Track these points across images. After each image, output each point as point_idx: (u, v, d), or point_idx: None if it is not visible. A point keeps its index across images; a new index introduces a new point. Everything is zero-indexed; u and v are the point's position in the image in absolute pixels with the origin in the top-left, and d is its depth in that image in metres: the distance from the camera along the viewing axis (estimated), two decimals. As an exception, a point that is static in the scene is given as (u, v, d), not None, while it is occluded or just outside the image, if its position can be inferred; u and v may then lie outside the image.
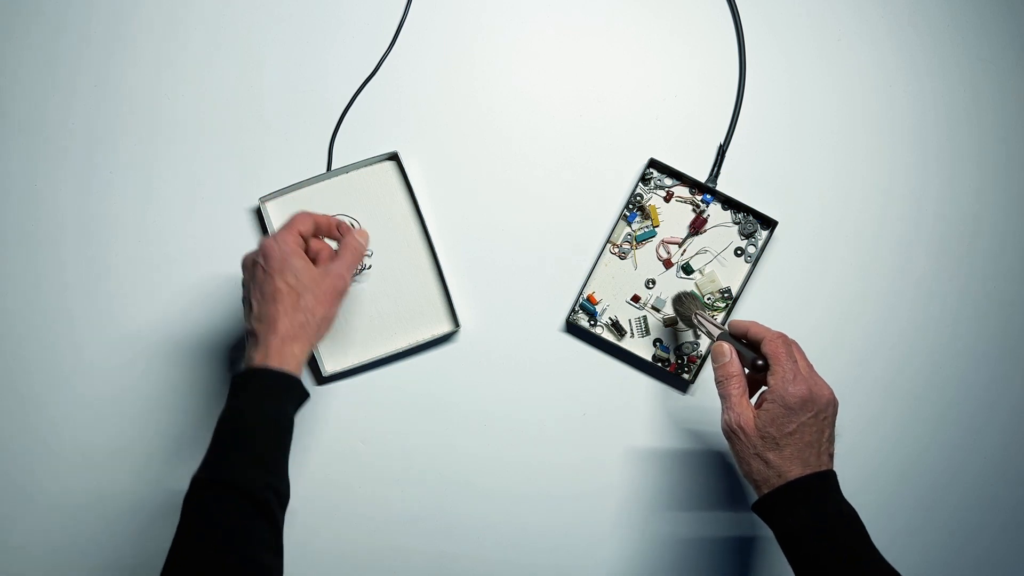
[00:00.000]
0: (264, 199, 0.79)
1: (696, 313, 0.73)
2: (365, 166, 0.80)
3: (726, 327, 0.70)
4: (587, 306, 0.79)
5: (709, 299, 0.79)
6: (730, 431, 0.64)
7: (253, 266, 0.67)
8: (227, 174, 0.81)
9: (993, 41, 0.83)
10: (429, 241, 0.79)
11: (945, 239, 0.81)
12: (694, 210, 0.80)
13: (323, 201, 0.80)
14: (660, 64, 0.83)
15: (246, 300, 0.68)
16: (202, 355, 0.80)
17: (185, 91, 0.81)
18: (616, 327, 0.79)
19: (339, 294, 0.68)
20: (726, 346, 0.67)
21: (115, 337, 0.80)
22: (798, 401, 0.61)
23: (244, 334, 0.68)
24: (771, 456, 0.61)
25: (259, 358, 0.64)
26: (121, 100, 0.81)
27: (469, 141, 0.82)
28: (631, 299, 0.80)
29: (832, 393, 0.64)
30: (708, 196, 0.80)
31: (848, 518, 0.61)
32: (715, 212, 0.80)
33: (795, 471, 0.61)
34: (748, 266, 0.80)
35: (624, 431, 0.80)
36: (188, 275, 0.80)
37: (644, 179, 0.80)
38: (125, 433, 0.79)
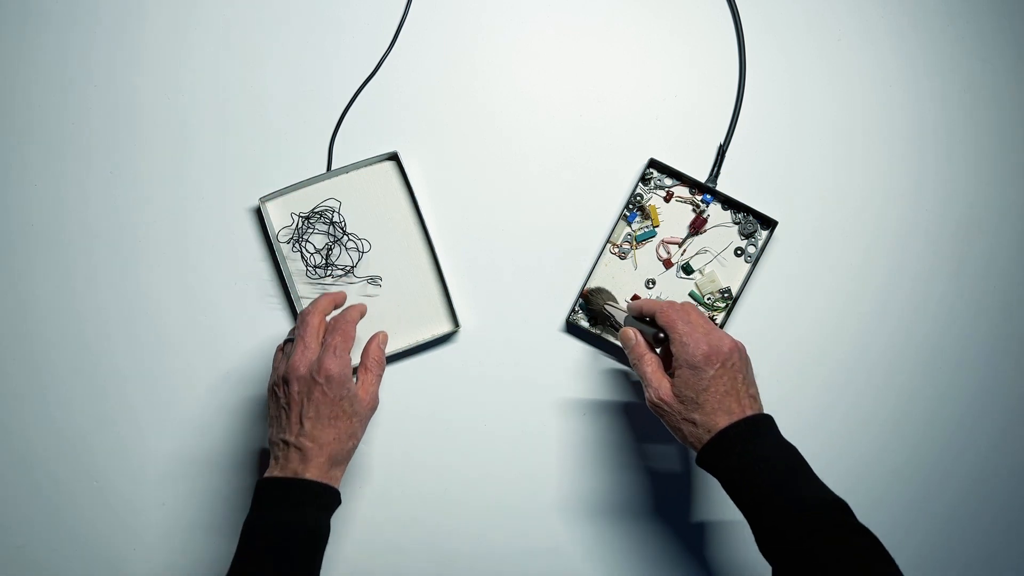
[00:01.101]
0: (264, 199, 0.79)
1: (604, 305, 0.76)
2: (365, 166, 0.80)
3: (627, 312, 0.73)
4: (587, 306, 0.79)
5: (709, 299, 0.79)
6: (653, 406, 0.67)
7: (310, 384, 0.66)
8: (227, 174, 0.81)
9: (993, 41, 0.83)
10: (429, 241, 0.79)
11: (944, 238, 0.81)
12: (694, 210, 0.80)
13: (323, 201, 0.80)
14: (660, 64, 0.83)
15: (291, 412, 0.66)
16: (201, 357, 0.80)
17: (185, 91, 0.81)
18: (616, 327, 0.79)
19: (373, 413, 0.71)
20: (630, 330, 0.71)
21: (113, 337, 0.80)
22: (701, 358, 0.64)
23: (276, 440, 0.67)
24: (696, 416, 0.64)
25: (307, 474, 0.64)
26: (121, 100, 0.81)
27: (469, 141, 0.82)
28: (631, 299, 0.80)
29: (732, 341, 0.66)
30: (708, 196, 0.80)
31: (783, 455, 0.62)
32: (715, 212, 0.80)
33: (722, 422, 0.63)
34: (748, 266, 0.80)
35: (624, 431, 0.80)
36: (188, 275, 0.80)
37: (644, 179, 0.80)
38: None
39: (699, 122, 0.82)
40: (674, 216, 0.80)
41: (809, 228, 0.81)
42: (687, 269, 0.80)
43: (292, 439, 0.65)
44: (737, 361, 0.65)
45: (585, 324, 0.80)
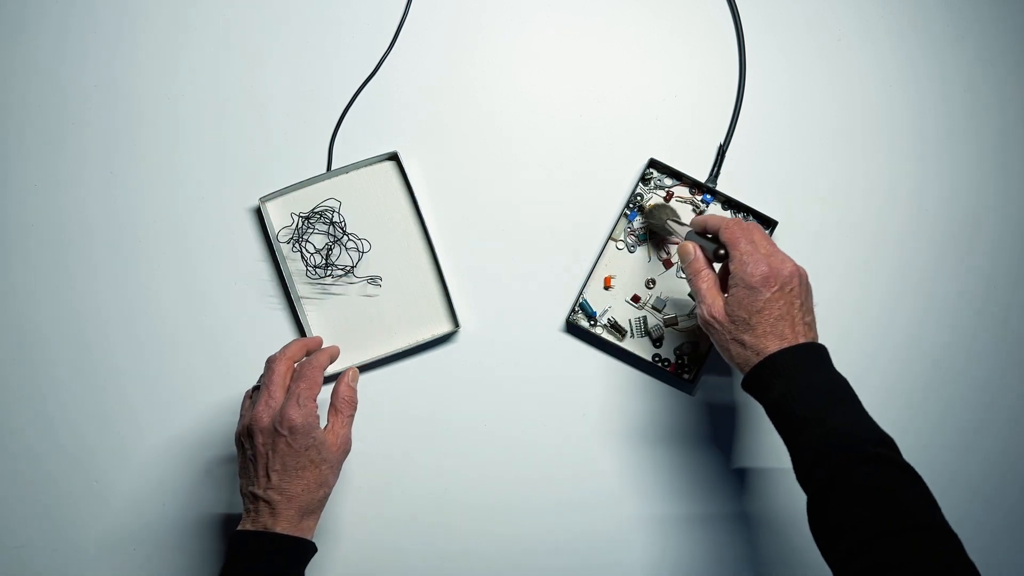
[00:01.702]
0: (264, 199, 0.79)
1: (667, 220, 0.75)
2: (365, 166, 0.80)
3: (691, 227, 0.71)
4: (587, 307, 0.79)
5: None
6: (704, 323, 0.66)
7: (274, 435, 0.64)
8: (227, 174, 0.81)
9: (993, 41, 0.83)
10: (429, 241, 0.79)
11: (945, 238, 0.81)
12: (694, 210, 0.80)
13: (323, 201, 0.80)
14: (660, 64, 0.83)
15: (258, 465, 0.65)
16: (201, 357, 0.80)
17: (185, 91, 0.81)
18: (616, 327, 0.79)
19: (346, 456, 0.69)
20: (690, 245, 0.70)
21: (113, 337, 0.80)
22: (759, 279, 0.63)
23: (245, 492, 0.66)
24: (746, 337, 0.63)
25: (277, 527, 0.64)
26: (120, 100, 0.81)
27: (469, 141, 0.82)
28: (631, 299, 0.80)
29: (795, 265, 0.65)
30: (708, 196, 0.80)
31: (833, 386, 0.61)
32: (715, 212, 0.80)
33: (772, 346, 0.62)
34: (748, 266, 0.80)
35: (624, 432, 0.80)
36: (188, 275, 0.80)
37: (644, 179, 0.80)
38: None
39: (699, 122, 0.82)
40: (674, 216, 0.80)
41: (809, 228, 0.81)
42: (687, 269, 0.80)
43: (260, 492, 0.64)
44: (797, 287, 0.64)
45: (585, 324, 0.80)
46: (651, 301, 0.80)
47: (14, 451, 0.79)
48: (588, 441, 0.79)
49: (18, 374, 0.79)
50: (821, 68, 0.82)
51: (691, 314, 0.79)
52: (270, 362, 0.69)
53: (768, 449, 0.79)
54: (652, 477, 0.79)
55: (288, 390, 0.67)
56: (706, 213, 0.70)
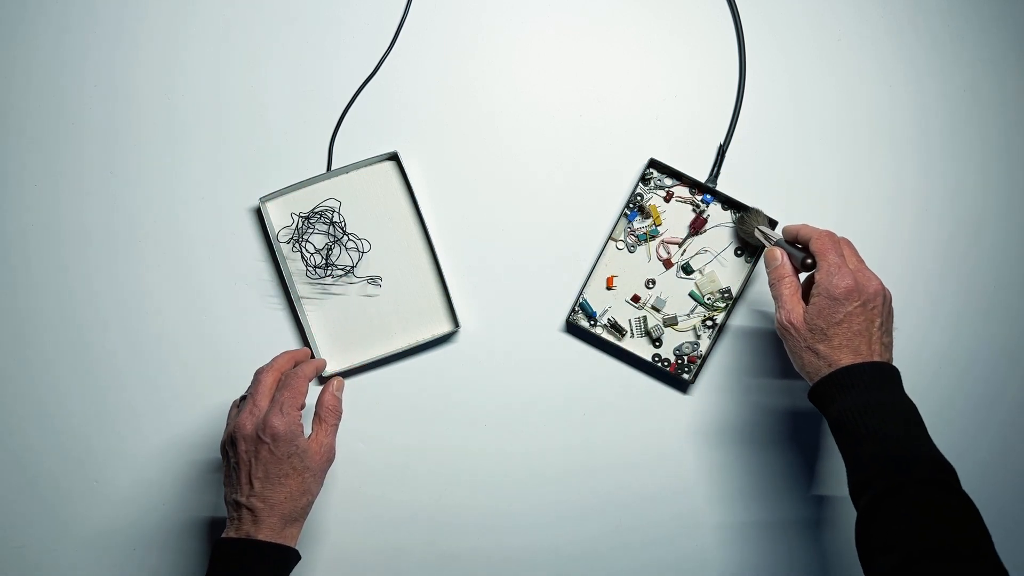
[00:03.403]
0: (264, 199, 0.79)
1: (757, 227, 0.75)
2: (365, 166, 0.80)
3: (780, 235, 0.73)
4: (587, 307, 0.79)
5: (709, 299, 0.79)
6: (782, 328, 0.67)
7: (257, 443, 0.65)
8: (227, 174, 0.81)
9: (993, 41, 0.83)
10: (429, 241, 0.79)
11: (946, 239, 0.81)
12: (694, 210, 0.80)
13: (323, 201, 0.80)
14: (660, 64, 0.83)
15: (240, 472, 0.65)
16: (201, 357, 0.80)
17: (185, 91, 0.81)
18: (616, 327, 0.79)
19: (330, 465, 0.69)
20: (777, 250, 0.70)
21: (113, 337, 0.80)
22: (843, 292, 0.63)
23: (229, 499, 0.66)
24: (821, 347, 0.63)
25: (259, 535, 0.64)
26: (120, 100, 0.81)
27: (469, 141, 0.82)
28: (631, 299, 0.80)
29: (881, 285, 0.65)
30: (708, 196, 0.80)
31: (900, 408, 0.60)
32: (715, 212, 0.80)
33: (845, 359, 0.62)
34: (748, 266, 0.80)
35: (624, 432, 0.80)
36: (188, 275, 0.80)
37: (644, 179, 0.80)
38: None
39: (699, 122, 0.82)
40: (674, 216, 0.80)
41: (809, 228, 0.81)
42: (687, 269, 0.79)
43: (243, 500, 0.65)
44: (880, 305, 0.64)
45: (585, 324, 0.79)
46: (651, 301, 0.80)
47: (14, 451, 0.79)
48: (588, 441, 0.79)
49: (17, 374, 0.79)
50: (821, 68, 0.82)
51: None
52: (258, 373, 0.69)
53: (768, 449, 0.79)
54: (652, 478, 0.79)
55: (272, 399, 0.67)
56: (798, 224, 0.72)
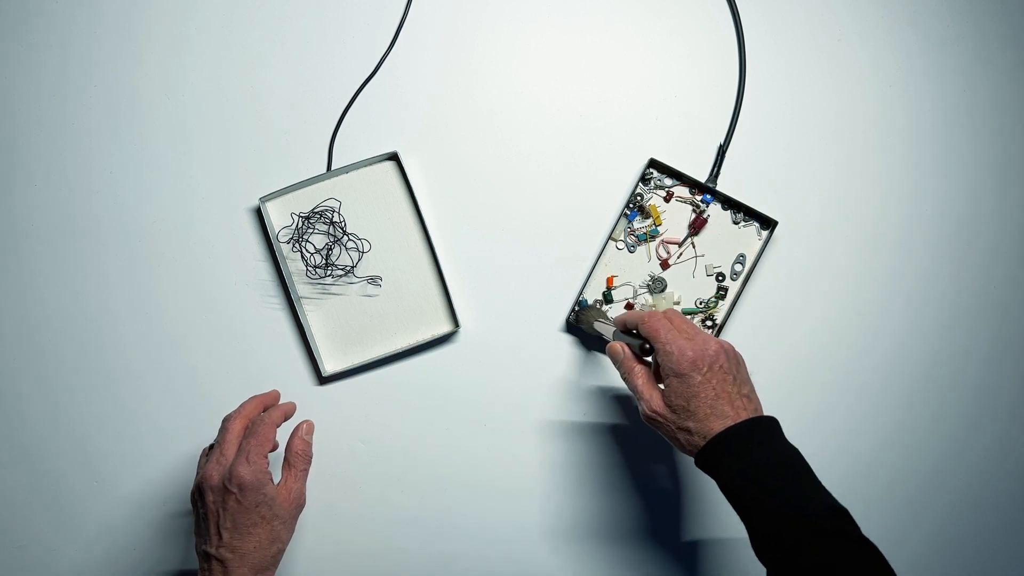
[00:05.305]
0: (264, 199, 0.79)
1: (593, 322, 0.76)
2: (365, 166, 0.80)
3: (614, 327, 0.72)
4: (587, 306, 0.79)
5: (700, 304, 0.79)
6: (647, 419, 0.66)
7: (224, 493, 0.64)
8: (227, 174, 0.81)
9: (992, 42, 0.83)
10: (429, 241, 0.79)
11: (944, 239, 0.82)
12: (694, 210, 0.80)
13: (323, 201, 0.80)
14: (660, 64, 0.83)
15: (209, 523, 0.65)
16: (201, 357, 0.80)
17: (185, 91, 0.81)
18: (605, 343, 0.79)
19: (300, 511, 0.69)
20: (617, 345, 0.70)
21: (113, 337, 0.80)
22: (687, 364, 0.63)
23: (199, 550, 0.66)
24: (690, 424, 0.63)
25: None
26: (121, 100, 0.81)
27: (469, 141, 0.82)
28: (624, 308, 0.80)
29: (718, 343, 0.64)
30: (708, 196, 0.80)
31: (783, 460, 0.61)
32: (715, 212, 0.80)
33: (716, 426, 0.62)
34: (748, 266, 0.80)
35: (624, 432, 0.80)
36: (187, 275, 0.80)
37: (644, 179, 0.80)
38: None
39: (699, 122, 0.82)
40: (674, 216, 0.80)
41: (809, 228, 0.81)
42: (652, 288, 0.79)
43: (212, 551, 0.64)
44: (724, 363, 0.64)
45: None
46: (650, 301, 0.80)
47: (14, 451, 0.79)
48: (588, 441, 0.79)
49: (18, 374, 0.79)
50: (821, 68, 0.82)
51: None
52: (225, 420, 0.69)
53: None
54: (652, 478, 0.79)
55: (239, 447, 0.67)
56: (625, 312, 0.72)
